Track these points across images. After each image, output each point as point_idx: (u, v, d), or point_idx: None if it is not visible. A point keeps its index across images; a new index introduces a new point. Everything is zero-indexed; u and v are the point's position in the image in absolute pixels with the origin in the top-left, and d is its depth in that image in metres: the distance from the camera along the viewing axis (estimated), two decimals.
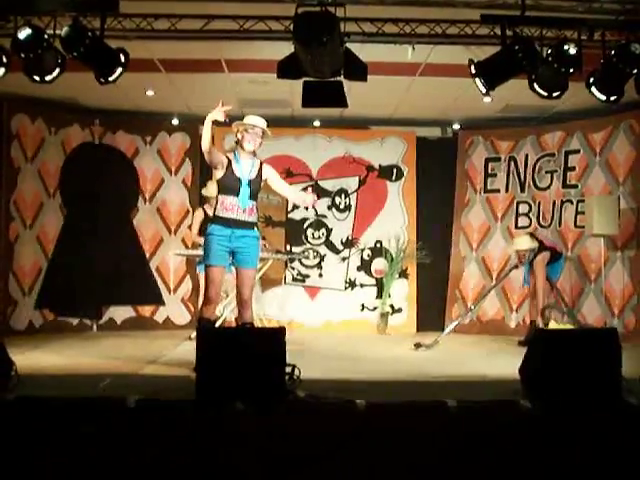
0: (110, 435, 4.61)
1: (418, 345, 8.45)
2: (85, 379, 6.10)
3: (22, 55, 6.11)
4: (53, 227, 9.96)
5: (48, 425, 4.65)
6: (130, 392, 5.11)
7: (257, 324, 9.69)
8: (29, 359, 6.93)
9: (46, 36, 6.14)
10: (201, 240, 8.79)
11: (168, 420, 4.76)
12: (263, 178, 6.45)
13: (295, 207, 10.70)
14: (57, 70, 6.33)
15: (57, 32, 6.16)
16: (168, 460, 4.52)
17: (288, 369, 5.38)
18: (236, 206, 6.31)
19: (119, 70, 6.37)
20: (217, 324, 8.92)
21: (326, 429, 4.72)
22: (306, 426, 4.76)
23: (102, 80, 6.41)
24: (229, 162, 6.37)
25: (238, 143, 6.44)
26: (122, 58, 6.34)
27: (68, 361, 7.22)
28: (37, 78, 6.35)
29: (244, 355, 5.14)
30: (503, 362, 7.26)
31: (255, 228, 6.45)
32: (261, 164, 6.49)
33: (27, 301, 9.64)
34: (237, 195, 6.30)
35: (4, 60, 6.27)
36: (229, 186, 6.34)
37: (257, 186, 6.42)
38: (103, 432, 4.60)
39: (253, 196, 6.37)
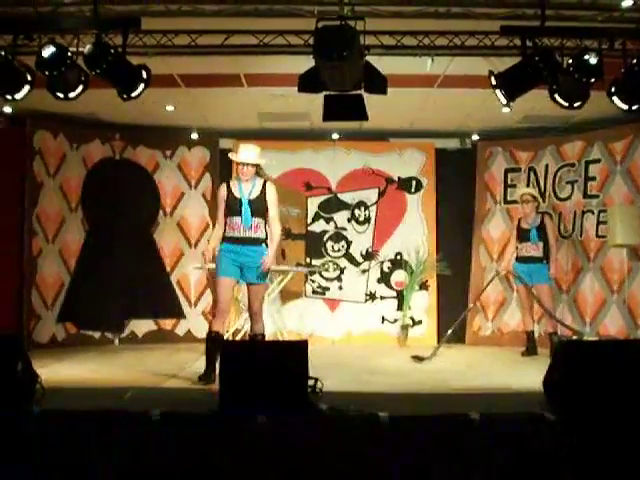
0: (134, 447, 4.63)
1: (417, 358, 8.42)
2: (109, 392, 6.14)
3: (46, 73, 6.16)
4: (75, 241, 10.03)
5: (74, 438, 4.68)
6: (153, 405, 5.13)
7: (278, 337, 9.73)
8: (52, 372, 6.98)
9: (69, 54, 6.20)
10: None
11: (191, 433, 4.77)
12: (267, 196, 6.84)
13: (314, 219, 10.77)
14: (80, 87, 6.39)
15: (80, 50, 6.23)
16: (191, 472, 4.53)
17: (310, 382, 5.39)
18: (240, 225, 6.73)
19: (141, 86, 6.41)
20: (238, 337, 8.96)
21: (349, 442, 4.72)
22: (329, 439, 4.76)
23: (125, 96, 6.46)
24: (228, 187, 6.85)
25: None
26: (144, 74, 6.39)
27: (91, 374, 7.27)
28: (61, 95, 6.40)
29: (267, 368, 5.15)
30: (526, 374, 7.24)
31: (263, 244, 6.80)
32: (265, 183, 6.86)
33: (50, 315, 9.70)
34: (240, 215, 6.71)
35: (28, 78, 6.33)
36: (232, 207, 6.77)
37: (260, 204, 6.79)
38: (126, 445, 4.63)
39: (256, 214, 6.74)
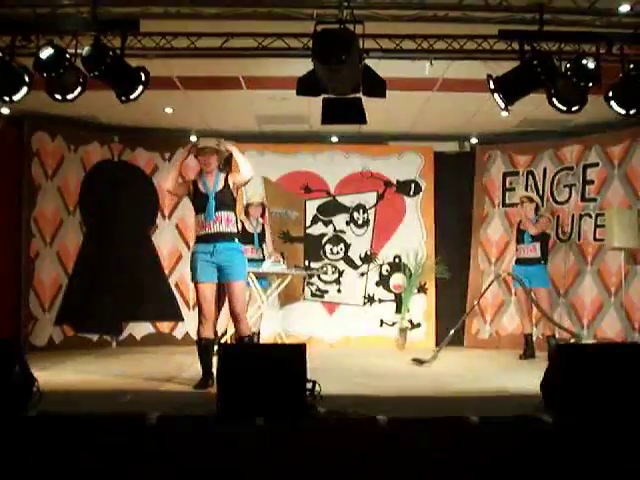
0: (131, 451, 4.62)
1: (418, 361, 8.43)
2: (106, 395, 6.12)
3: (44, 74, 6.16)
4: (73, 244, 10.02)
5: (70, 441, 4.67)
6: (151, 408, 5.12)
7: (276, 340, 9.72)
8: (50, 375, 6.95)
9: (68, 55, 6.20)
10: None
11: (189, 436, 4.76)
12: (231, 185, 6.65)
13: (313, 222, 10.80)
14: (78, 89, 6.39)
15: (78, 51, 6.22)
16: (189, 476, 4.52)
17: (309, 385, 5.38)
18: (206, 220, 6.55)
19: (140, 88, 6.42)
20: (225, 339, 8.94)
21: (347, 445, 4.71)
22: (327, 442, 4.76)
23: (123, 98, 6.46)
24: (195, 183, 6.68)
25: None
26: (143, 76, 6.39)
27: (89, 377, 7.24)
28: (59, 97, 6.41)
29: (265, 371, 5.14)
30: (524, 377, 7.23)
31: (236, 239, 6.65)
32: (227, 175, 6.71)
33: (47, 317, 9.69)
34: (205, 210, 6.55)
35: (26, 79, 6.32)
36: (198, 204, 6.63)
37: (226, 197, 6.63)
38: (124, 448, 4.62)
39: (223, 207, 6.57)
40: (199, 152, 6.67)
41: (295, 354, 5.26)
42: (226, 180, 6.65)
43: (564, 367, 5.33)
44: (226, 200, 6.61)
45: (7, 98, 6.38)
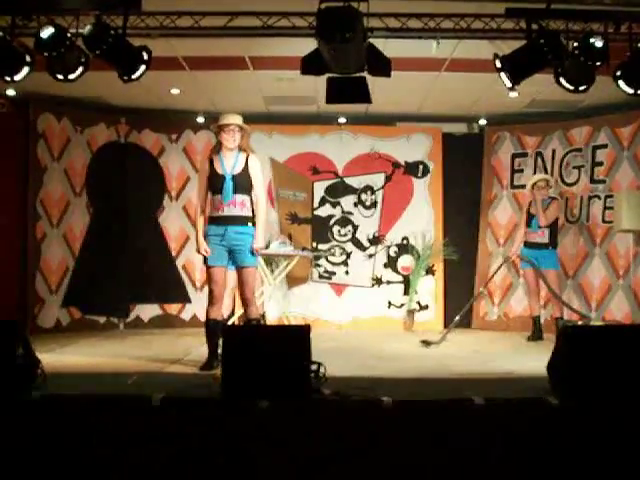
0: (135, 433, 4.62)
1: (426, 343, 8.42)
2: (111, 377, 6.12)
3: (45, 54, 6.13)
4: (79, 226, 10.01)
5: (73, 423, 4.67)
6: (155, 390, 5.11)
7: (283, 322, 9.71)
8: (56, 357, 6.97)
9: (69, 35, 6.15)
10: None
11: (193, 418, 4.76)
12: (250, 170, 6.57)
13: (320, 203, 10.74)
14: (80, 69, 6.35)
15: (80, 31, 6.18)
16: (193, 458, 4.52)
17: (314, 367, 5.36)
18: (221, 202, 6.47)
19: (142, 68, 6.36)
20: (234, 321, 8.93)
21: (352, 427, 4.71)
22: (332, 424, 4.75)
23: (125, 78, 6.41)
24: (211, 164, 6.59)
25: (220, 143, 6.65)
26: (145, 56, 6.33)
27: (94, 359, 7.25)
28: (60, 77, 6.36)
29: (269, 353, 5.12)
30: (531, 359, 7.21)
31: (249, 223, 6.54)
32: (248, 157, 6.61)
33: (54, 299, 9.70)
34: (221, 192, 6.46)
35: (27, 59, 6.29)
36: (213, 184, 6.54)
37: (244, 180, 6.54)
38: (128, 430, 4.62)
39: (239, 190, 6.49)
40: (222, 128, 6.60)
41: (299, 335, 5.24)
42: (247, 162, 6.57)
43: (571, 349, 5.29)
44: (244, 183, 6.52)
45: (8, 78, 6.35)
